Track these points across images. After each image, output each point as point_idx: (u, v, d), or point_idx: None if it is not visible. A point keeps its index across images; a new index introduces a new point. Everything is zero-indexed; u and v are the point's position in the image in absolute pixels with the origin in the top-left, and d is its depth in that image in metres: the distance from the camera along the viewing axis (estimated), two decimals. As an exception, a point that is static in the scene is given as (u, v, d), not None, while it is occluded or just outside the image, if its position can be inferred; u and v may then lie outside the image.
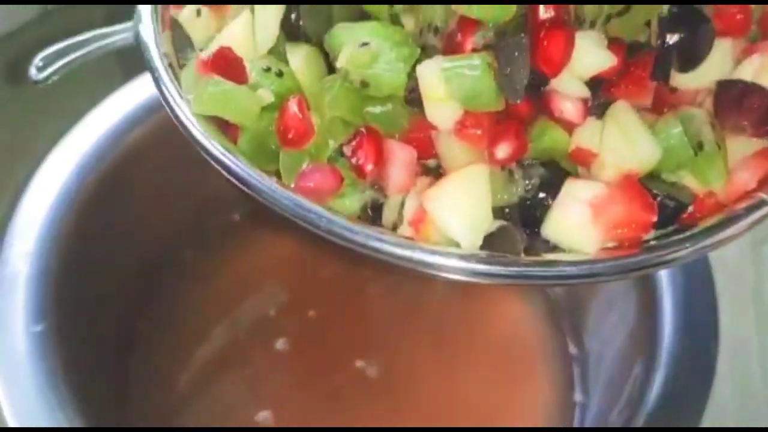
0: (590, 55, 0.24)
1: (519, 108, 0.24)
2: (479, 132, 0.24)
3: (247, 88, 0.25)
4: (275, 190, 0.24)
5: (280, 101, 0.25)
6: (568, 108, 0.24)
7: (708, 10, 0.25)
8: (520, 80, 0.23)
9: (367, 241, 0.24)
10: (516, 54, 0.22)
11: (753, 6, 0.26)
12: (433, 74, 0.23)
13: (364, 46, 0.24)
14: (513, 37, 0.22)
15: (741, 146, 0.25)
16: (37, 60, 0.32)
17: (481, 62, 0.23)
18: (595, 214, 0.23)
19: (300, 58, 0.25)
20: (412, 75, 0.24)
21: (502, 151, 0.24)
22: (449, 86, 0.23)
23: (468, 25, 0.23)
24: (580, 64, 0.23)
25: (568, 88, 0.24)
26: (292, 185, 0.25)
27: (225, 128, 0.26)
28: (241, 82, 0.25)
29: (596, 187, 0.23)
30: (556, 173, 0.24)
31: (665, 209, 0.24)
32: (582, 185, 0.24)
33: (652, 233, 0.24)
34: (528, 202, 0.24)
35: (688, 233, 0.24)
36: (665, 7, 0.24)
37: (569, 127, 0.25)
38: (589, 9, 0.23)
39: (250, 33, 0.25)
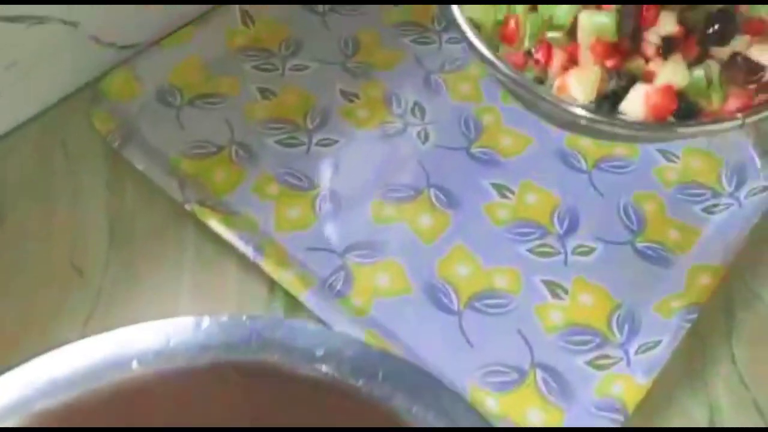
0: (667, 23, 0.44)
1: (624, 42, 0.45)
2: (602, 49, 0.45)
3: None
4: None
5: (506, 19, 0.48)
6: (650, 49, 0.45)
7: (738, 16, 0.45)
8: (629, 27, 0.44)
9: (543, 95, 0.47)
10: (631, 14, 0.44)
11: None
12: (585, 17, 0.45)
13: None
14: (631, 5, 0.44)
15: (733, 88, 0.45)
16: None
17: (611, 15, 0.44)
18: (647, 99, 0.44)
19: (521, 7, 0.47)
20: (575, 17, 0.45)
21: (610, 62, 0.45)
22: (591, 24, 0.44)
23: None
24: (660, 27, 0.44)
25: (652, 39, 0.44)
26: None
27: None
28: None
29: (650, 87, 0.45)
30: (633, 79, 0.45)
31: (684, 107, 0.45)
32: (642, 86, 0.45)
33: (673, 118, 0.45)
34: (616, 91, 0.45)
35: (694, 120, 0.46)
36: (714, 8, 0.44)
37: (647, 59, 0.45)
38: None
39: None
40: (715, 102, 0.45)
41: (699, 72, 0.44)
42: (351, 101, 0.68)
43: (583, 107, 0.45)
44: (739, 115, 0.45)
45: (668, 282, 0.59)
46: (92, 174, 0.61)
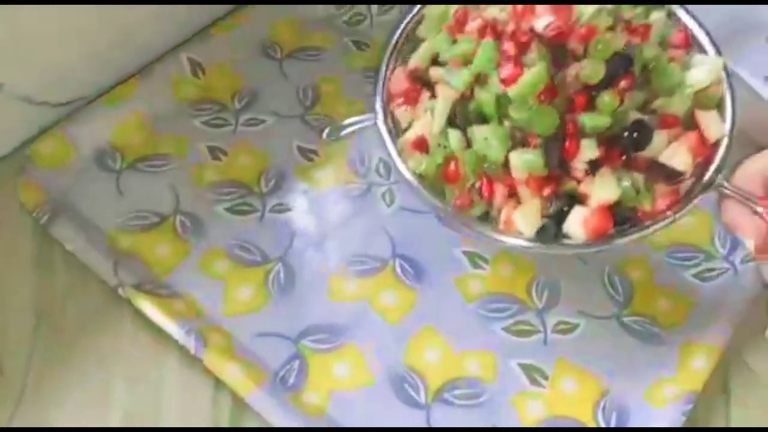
0: (588, 150, 0.46)
1: (554, 173, 0.47)
2: (536, 183, 0.47)
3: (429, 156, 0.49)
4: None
5: (446, 161, 0.48)
6: (579, 172, 0.47)
7: (651, 120, 0.47)
8: (555, 160, 0.46)
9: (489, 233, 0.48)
10: (555, 149, 0.46)
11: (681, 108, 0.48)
12: (515, 157, 0.46)
13: (485, 140, 0.47)
14: (554, 141, 0.46)
15: (660, 187, 0.48)
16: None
17: (537, 152, 0.46)
18: (585, 223, 0.46)
19: (455, 139, 0.48)
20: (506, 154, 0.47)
21: (546, 191, 0.47)
22: (521, 162, 0.46)
23: (533, 135, 0.46)
24: (583, 155, 0.46)
25: (578, 166, 0.46)
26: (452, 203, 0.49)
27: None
28: (425, 151, 0.49)
29: (586, 210, 0.46)
30: (571, 201, 0.47)
31: (619, 213, 0.47)
32: (579, 209, 0.47)
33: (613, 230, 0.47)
34: (557, 213, 0.47)
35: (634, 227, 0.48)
36: (629, 119, 0.47)
37: (578, 181, 0.47)
38: (588, 126, 0.46)
39: (429, 125, 0.49)
40: (646, 205, 0.47)
41: (626, 184, 0.47)
42: (309, 159, 0.62)
43: (529, 239, 0.47)
44: (669, 212, 0.48)
45: (659, 363, 0.54)
46: (17, 253, 0.55)
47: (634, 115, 0.47)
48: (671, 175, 0.47)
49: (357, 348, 0.53)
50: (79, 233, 0.55)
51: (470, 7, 0.50)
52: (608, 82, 0.46)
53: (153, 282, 0.54)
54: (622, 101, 0.46)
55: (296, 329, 0.54)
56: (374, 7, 0.71)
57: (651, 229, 0.47)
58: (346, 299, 0.55)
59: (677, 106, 0.48)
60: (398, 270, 0.57)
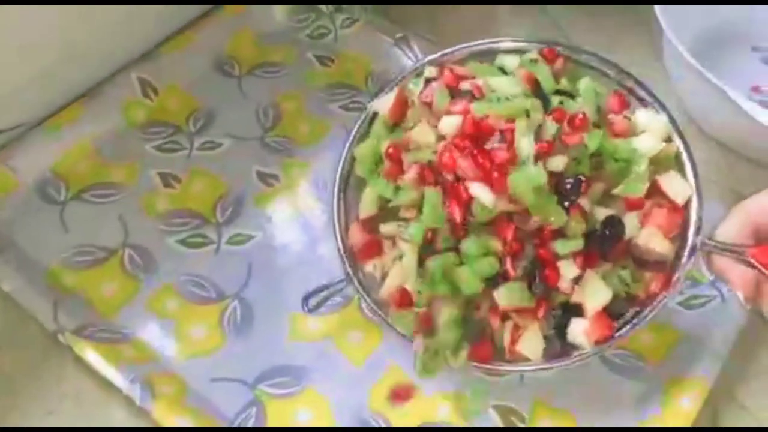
0: (568, 270, 0.44)
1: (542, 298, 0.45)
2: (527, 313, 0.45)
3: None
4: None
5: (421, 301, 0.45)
6: (566, 288, 0.45)
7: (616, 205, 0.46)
8: (540, 290, 0.44)
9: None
10: (539, 282, 0.44)
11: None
12: (498, 295, 0.44)
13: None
14: (532, 273, 0.45)
15: (649, 275, 0.47)
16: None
17: (518, 285, 0.44)
18: (588, 336, 0.45)
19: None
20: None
21: (541, 313, 0.45)
22: (507, 298, 0.44)
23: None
24: (565, 276, 0.44)
25: (564, 285, 0.45)
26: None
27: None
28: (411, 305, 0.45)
29: (585, 323, 0.45)
30: (566, 306, 0.45)
31: (616, 306, 0.46)
32: (580, 321, 0.45)
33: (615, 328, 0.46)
34: (558, 327, 0.45)
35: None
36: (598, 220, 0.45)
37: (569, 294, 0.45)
38: (563, 253, 0.45)
39: (399, 276, 0.46)
40: (641, 293, 0.46)
41: (615, 282, 0.45)
42: (269, 185, 0.58)
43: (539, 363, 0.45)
44: (663, 293, 0.46)
45: (642, 402, 0.50)
46: (-51, 296, 0.51)
47: (599, 211, 0.45)
48: (656, 262, 0.46)
49: (319, 393, 0.49)
50: (19, 271, 0.51)
51: (400, 145, 0.46)
52: (567, 210, 0.44)
53: (97, 325, 0.50)
54: (586, 216, 0.45)
55: (254, 373, 0.50)
56: (338, 20, 0.67)
57: (650, 316, 0.45)
58: (307, 339, 0.51)
59: (637, 183, 0.45)
60: (363, 305, 0.53)
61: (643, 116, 0.48)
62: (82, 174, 0.57)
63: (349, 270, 0.47)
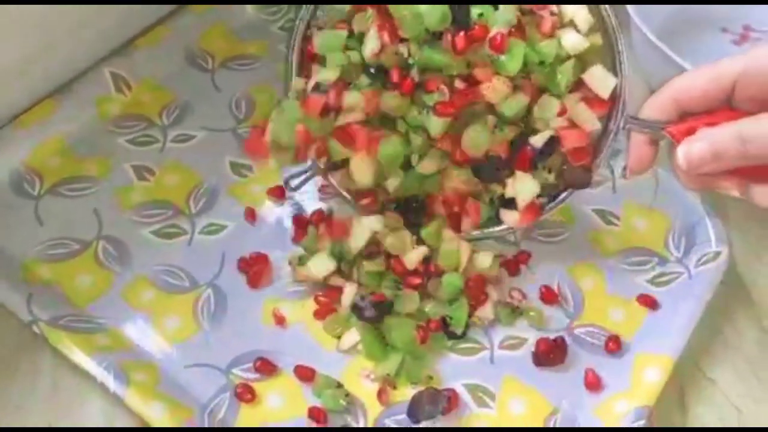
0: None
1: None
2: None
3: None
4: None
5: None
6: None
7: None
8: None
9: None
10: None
11: None
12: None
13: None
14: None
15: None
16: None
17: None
18: (517, 220, 0.52)
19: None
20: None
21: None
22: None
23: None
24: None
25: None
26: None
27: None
28: None
29: (515, 214, 0.52)
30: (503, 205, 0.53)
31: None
32: (508, 212, 0.53)
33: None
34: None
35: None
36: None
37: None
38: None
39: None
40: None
41: (542, 176, 0.51)
42: (243, 176, 0.59)
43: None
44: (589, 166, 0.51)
45: (610, 377, 0.51)
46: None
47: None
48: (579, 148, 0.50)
49: (292, 378, 0.50)
50: (-8, 266, 0.52)
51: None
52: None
53: (71, 315, 0.50)
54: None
55: (227, 358, 0.50)
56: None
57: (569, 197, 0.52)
58: (280, 325, 0.52)
59: (561, 84, 0.48)
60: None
61: (569, 8, 0.49)
62: (56, 168, 0.58)
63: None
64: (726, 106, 0.45)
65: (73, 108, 0.60)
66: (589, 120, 0.49)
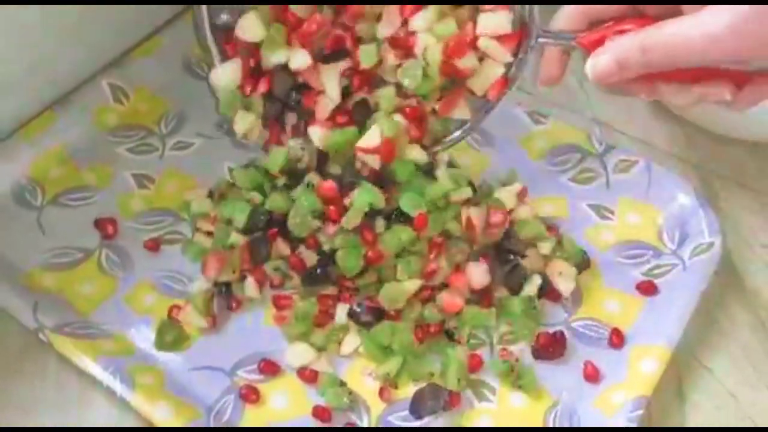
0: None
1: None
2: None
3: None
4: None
5: None
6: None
7: None
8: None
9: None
10: None
11: None
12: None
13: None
14: None
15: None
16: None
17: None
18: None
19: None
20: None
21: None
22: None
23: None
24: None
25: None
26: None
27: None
28: None
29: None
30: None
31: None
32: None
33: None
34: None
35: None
36: None
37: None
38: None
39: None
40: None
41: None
42: (241, 181, 0.60)
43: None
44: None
45: (609, 368, 0.52)
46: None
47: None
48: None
49: (296, 378, 0.51)
50: (-3, 275, 0.53)
51: None
52: None
53: (76, 322, 0.51)
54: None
55: (232, 360, 0.51)
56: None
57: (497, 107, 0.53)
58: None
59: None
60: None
61: None
62: (57, 179, 0.59)
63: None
64: (635, 12, 0.46)
65: (72, 119, 0.61)
66: (500, 55, 0.50)
